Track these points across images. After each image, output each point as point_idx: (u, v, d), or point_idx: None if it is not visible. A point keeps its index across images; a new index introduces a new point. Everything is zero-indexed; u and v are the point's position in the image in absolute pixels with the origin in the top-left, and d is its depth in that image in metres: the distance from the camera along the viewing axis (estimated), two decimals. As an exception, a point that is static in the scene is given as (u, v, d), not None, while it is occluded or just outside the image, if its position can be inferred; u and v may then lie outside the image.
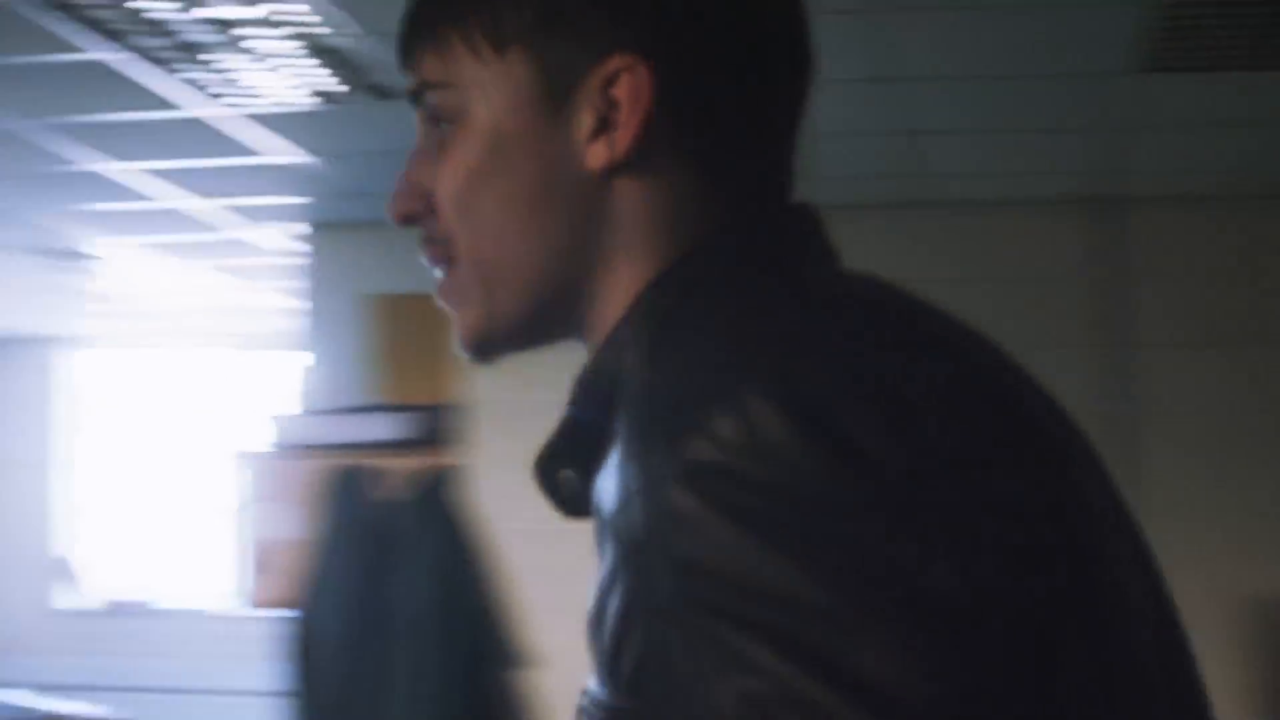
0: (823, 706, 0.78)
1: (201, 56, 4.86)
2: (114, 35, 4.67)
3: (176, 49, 4.80)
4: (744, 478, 0.81)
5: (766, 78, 1.05)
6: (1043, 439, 0.94)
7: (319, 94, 5.28)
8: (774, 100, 1.06)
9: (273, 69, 5.00)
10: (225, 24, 4.60)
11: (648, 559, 0.83)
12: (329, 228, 7.24)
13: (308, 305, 7.29)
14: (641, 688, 0.85)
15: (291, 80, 5.12)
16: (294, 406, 7.12)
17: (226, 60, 4.91)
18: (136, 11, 4.47)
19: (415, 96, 1.08)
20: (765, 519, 0.80)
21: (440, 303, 1.08)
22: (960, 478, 0.85)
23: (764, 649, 0.79)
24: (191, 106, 5.39)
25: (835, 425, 0.82)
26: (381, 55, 4.75)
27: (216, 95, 5.28)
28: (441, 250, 1.06)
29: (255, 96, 5.30)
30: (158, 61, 4.91)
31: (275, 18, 4.51)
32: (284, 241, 7.60)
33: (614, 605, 0.87)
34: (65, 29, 4.59)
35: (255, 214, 7.16)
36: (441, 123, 1.06)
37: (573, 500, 1.02)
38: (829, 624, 0.79)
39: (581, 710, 0.92)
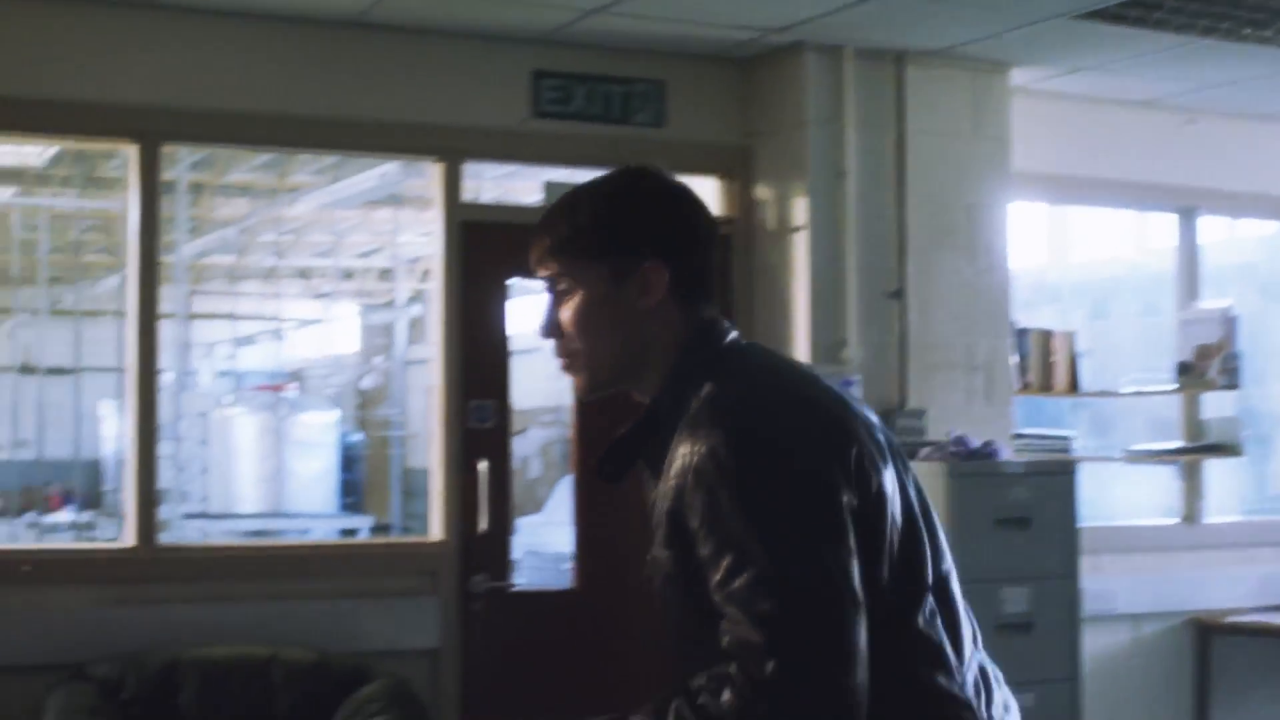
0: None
1: None
2: None
3: None
4: (715, 455, 2.13)
5: (706, 255, 2.36)
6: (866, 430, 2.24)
7: None
8: (709, 264, 2.36)
9: None
10: None
11: (702, 470, 2.14)
12: None
13: None
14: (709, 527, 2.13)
15: None
16: None
17: None
18: None
19: (547, 281, 2.34)
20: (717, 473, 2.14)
21: (566, 375, 2.37)
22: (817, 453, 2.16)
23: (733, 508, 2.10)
24: None
25: (742, 437, 2.13)
26: None
27: None
28: (566, 352, 2.35)
29: None
30: None
31: None
32: None
33: (695, 498, 2.14)
34: None
35: None
36: (562, 295, 2.32)
37: (613, 473, 2.39)
38: (737, 512, 2.09)
39: (652, 566, 2.26)
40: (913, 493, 2.26)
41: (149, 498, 5.83)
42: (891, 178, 6.41)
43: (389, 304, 19.22)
